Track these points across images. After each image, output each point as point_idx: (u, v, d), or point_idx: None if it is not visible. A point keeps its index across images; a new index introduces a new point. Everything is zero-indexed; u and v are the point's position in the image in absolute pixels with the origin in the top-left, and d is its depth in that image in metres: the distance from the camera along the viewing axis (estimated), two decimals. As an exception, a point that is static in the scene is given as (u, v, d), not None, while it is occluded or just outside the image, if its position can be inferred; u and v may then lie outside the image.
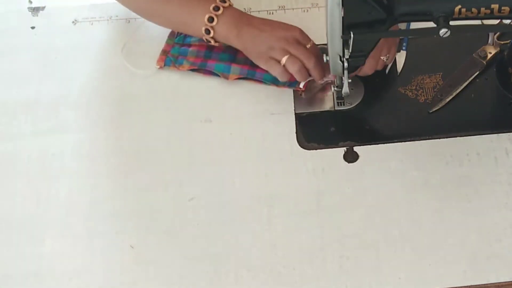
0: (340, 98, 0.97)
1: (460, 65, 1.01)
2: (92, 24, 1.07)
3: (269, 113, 0.98)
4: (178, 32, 1.03)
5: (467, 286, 0.85)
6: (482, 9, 0.79)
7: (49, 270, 0.87)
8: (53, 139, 0.97)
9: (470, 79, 0.99)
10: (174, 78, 1.02)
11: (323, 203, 0.91)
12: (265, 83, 0.99)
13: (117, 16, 1.08)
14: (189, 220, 0.90)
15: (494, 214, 0.89)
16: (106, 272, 0.87)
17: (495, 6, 0.79)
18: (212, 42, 0.98)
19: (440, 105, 0.98)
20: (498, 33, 1.02)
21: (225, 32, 0.96)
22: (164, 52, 1.02)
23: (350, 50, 0.82)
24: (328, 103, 0.99)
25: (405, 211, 0.90)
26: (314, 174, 0.93)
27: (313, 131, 0.97)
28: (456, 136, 0.95)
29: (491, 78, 1.00)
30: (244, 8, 1.07)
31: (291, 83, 0.98)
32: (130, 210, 0.91)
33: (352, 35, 0.80)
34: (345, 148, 0.95)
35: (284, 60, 0.93)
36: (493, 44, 1.01)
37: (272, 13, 1.07)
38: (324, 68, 0.96)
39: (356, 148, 0.95)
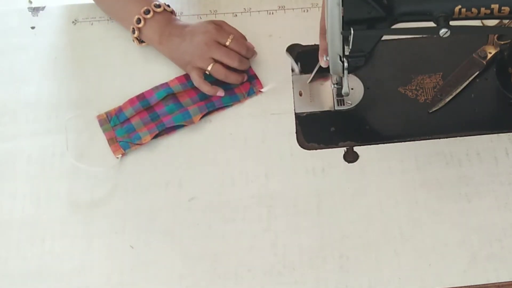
0: (340, 95, 0.97)
1: (460, 65, 1.01)
2: (92, 24, 1.07)
3: (269, 113, 0.98)
4: (107, 116, 0.97)
5: (467, 286, 0.85)
6: (482, 9, 0.80)
7: (49, 270, 0.88)
8: (53, 139, 0.97)
9: (470, 79, 0.99)
10: (174, 78, 1.02)
11: (323, 203, 0.91)
12: (227, 106, 0.99)
13: (117, 16, 1.08)
14: (189, 220, 0.90)
15: (494, 214, 0.89)
16: (106, 272, 0.87)
17: (495, 6, 0.79)
18: (137, 43, 1.01)
19: (440, 105, 0.98)
20: (498, 33, 1.02)
21: (150, 37, 1.00)
22: (112, 140, 0.96)
23: (350, 47, 0.82)
24: (328, 103, 0.99)
25: (405, 211, 0.90)
26: (314, 174, 0.93)
27: (313, 131, 0.97)
28: (456, 136, 0.95)
29: (491, 78, 1.00)
30: (244, 8, 1.07)
31: (249, 92, 0.99)
32: (130, 210, 0.91)
33: (352, 31, 0.80)
34: (345, 148, 0.95)
35: (209, 69, 0.96)
36: (493, 44, 1.01)
37: (272, 13, 1.07)
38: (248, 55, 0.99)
39: (356, 148, 0.95)
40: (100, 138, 0.96)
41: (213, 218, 0.90)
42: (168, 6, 1.01)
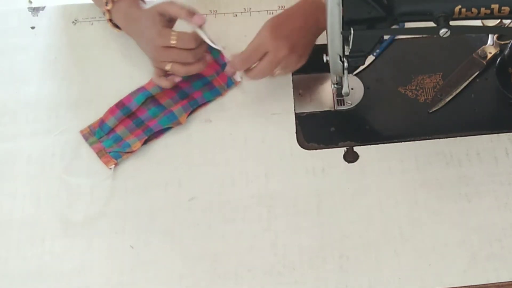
0: (340, 95, 0.97)
1: (460, 65, 1.01)
2: (92, 24, 1.07)
3: (269, 113, 0.98)
4: (91, 129, 0.96)
5: (467, 286, 0.85)
6: (482, 9, 0.79)
7: (49, 270, 0.87)
8: (53, 139, 0.97)
9: (470, 79, 0.99)
10: (174, 78, 1.02)
11: (323, 203, 0.91)
12: (210, 101, 0.99)
13: (117, 16, 1.08)
14: (189, 220, 0.90)
15: (494, 214, 0.89)
16: (106, 272, 0.87)
17: (495, 6, 0.79)
18: (110, 25, 1.00)
19: (440, 105, 0.98)
20: (498, 33, 1.02)
21: (118, 21, 0.99)
22: (102, 152, 0.94)
23: (350, 47, 0.82)
24: (328, 103, 0.99)
25: (405, 211, 0.90)
26: (314, 174, 0.93)
27: (313, 131, 0.97)
28: (456, 136, 0.95)
29: (491, 78, 1.00)
30: (244, 8, 1.07)
31: (228, 83, 0.99)
32: (130, 210, 0.91)
33: (352, 31, 0.80)
34: (345, 148, 0.95)
35: (168, 69, 0.94)
36: (493, 44, 1.01)
37: (272, 13, 1.07)
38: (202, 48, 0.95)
39: (356, 148, 0.95)
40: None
41: (213, 218, 0.90)
42: None
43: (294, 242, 0.88)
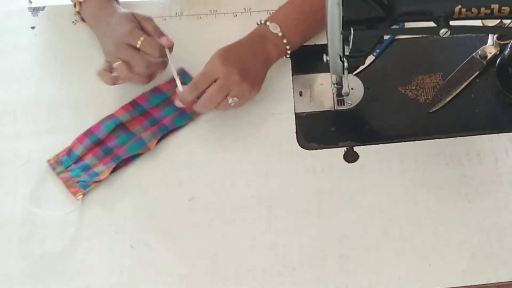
0: (340, 95, 0.97)
1: (460, 65, 1.01)
2: (92, 24, 1.07)
3: (269, 113, 0.98)
4: (58, 158, 0.94)
5: (467, 286, 0.85)
6: (482, 9, 0.79)
7: (49, 270, 0.87)
8: (53, 139, 0.97)
9: (470, 79, 0.99)
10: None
11: (323, 203, 0.91)
12: (181, 126, 0.97)
13: (117, 16, 1.08)
14: (189, 220, 0.90)
15: (494, 214, 0.89)
16: (106, 272, 0.87)
17: (495, 6, 0.79)
18: (79, 20, 1.00)
19: (440, 105, 0.98)
20: (498, 33, 1.02)
21: (87, 17, 0.99)
22: (69, 182, 0.92)
23: (350, 47, 0.82)
24: (328, 103, 0.99)
25: (405, 211, 0.90)
26: (314, 174, 0.93)
27: (313, 131, 0.97)
28: (456, 136, 0.95)
29: (491, 78, 1.00)
30: (244, 8, 1.07)
31: (193, 112, 0.97)
32: (130, 210, 0.91)
33: (352, 31, 0.80)
34: (345, 148, 0.95)
35: (114, 66, 0.93)
36: (493, 44, 1.01)
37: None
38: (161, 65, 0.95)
39: (356, 148, 0.95)
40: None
41: (213, 218, 0.90)
42: None
43: (294, 242, 0.88)
